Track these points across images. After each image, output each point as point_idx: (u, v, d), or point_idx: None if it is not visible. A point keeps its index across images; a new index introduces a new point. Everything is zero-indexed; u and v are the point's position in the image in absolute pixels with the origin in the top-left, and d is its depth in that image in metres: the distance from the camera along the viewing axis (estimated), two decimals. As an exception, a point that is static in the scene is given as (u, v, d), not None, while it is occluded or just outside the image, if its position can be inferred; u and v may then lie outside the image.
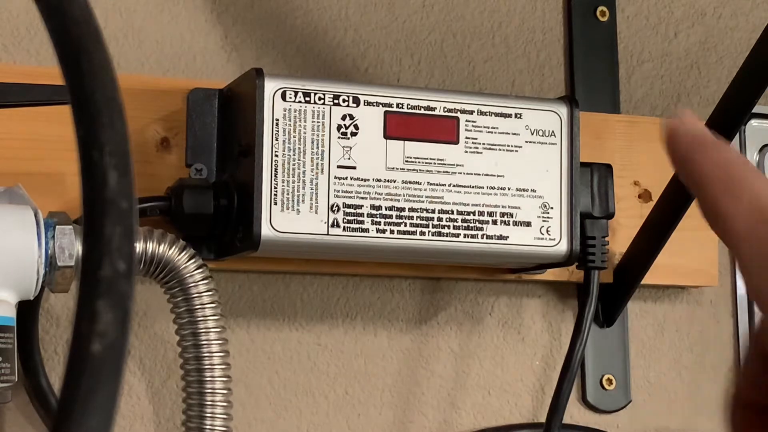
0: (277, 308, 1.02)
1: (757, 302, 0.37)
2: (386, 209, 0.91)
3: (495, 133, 0.95)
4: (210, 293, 0.89)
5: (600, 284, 1.02)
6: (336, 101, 0.91)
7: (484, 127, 0.94)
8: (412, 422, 1.05)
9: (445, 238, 0.93)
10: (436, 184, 0.93)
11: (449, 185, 0.93)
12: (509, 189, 0.95)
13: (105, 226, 0.33)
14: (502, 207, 0.94)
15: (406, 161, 0.92)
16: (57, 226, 0.82)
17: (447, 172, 0.93)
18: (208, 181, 0.94)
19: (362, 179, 0.91)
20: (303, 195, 0.89)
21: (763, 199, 0.38)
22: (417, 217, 0.92)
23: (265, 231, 0.88)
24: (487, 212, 0.94)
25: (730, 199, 0.38)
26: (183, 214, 0.91)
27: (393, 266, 1.02)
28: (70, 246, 0.82)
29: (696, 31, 1.17)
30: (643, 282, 1.06)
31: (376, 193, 0.91)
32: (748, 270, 0.37)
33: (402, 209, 0.92)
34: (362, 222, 0.91)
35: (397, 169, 0.92)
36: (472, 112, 0.94)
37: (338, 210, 0.90)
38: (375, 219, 0.91)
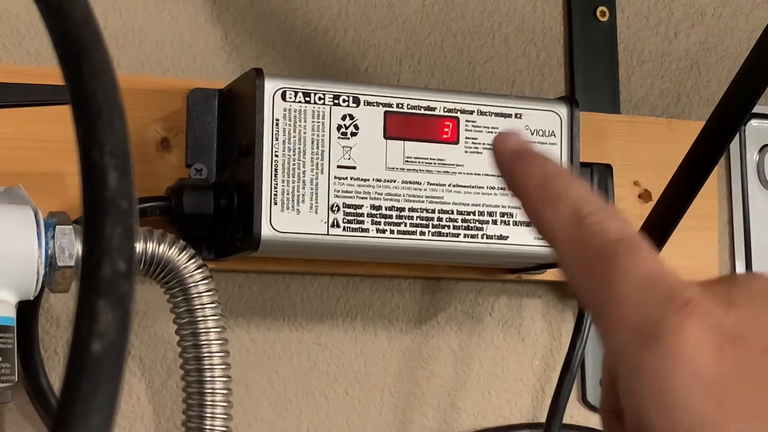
0: (277, 308, 1.02)
1: (586, 308, 0.38)
2: (386, 209, 0.91)
3: (495, 133, 0.95)
4: (210, 293, 0.89)
5: (600, 284, 1.02)
6: (336, 101, 0.91)
7: (484, 127, 0.94)
8: (412, 422, 1.05)
9: (445, 238, 0.93)
10: (436, 184, 0.93)
11: (449, 185, 0.93)
12: (509, 189, 0.95)
13: (105, 226, 0.33)
14: (502, 207, 0.94)
15: (406, 161, 0.92)
16: (57, 226, 0.82)
17: (447, 172, 0.93)
18: (208, 181, 0.93)
19: (362, 179, 0.91)
20: (303, 195, 0.89)
21: (580, 205, 0.40)
22: (417, 217, 0.92)
23: (265, 231, 0.88)
24: (487, 212, 0.94)
25: (550, 211, 0.41)
26: (183, 214, 0.91)
27: (393, 266, 1.02)
28: (70, 246, 0.81)
29: (696, 31, 1.17)
30: (643, 282, 1.06)
31: (376, 193, 0.91)
32: (571, 275, 0.40)
33: (402, 209, 0.92)
34: (362, 222, 0.91)
35: (397, 169, 0.92)
36: (472, 112, 0.94)
37: (338, 210, 0.90)
38: (375, 219, 0.91)
